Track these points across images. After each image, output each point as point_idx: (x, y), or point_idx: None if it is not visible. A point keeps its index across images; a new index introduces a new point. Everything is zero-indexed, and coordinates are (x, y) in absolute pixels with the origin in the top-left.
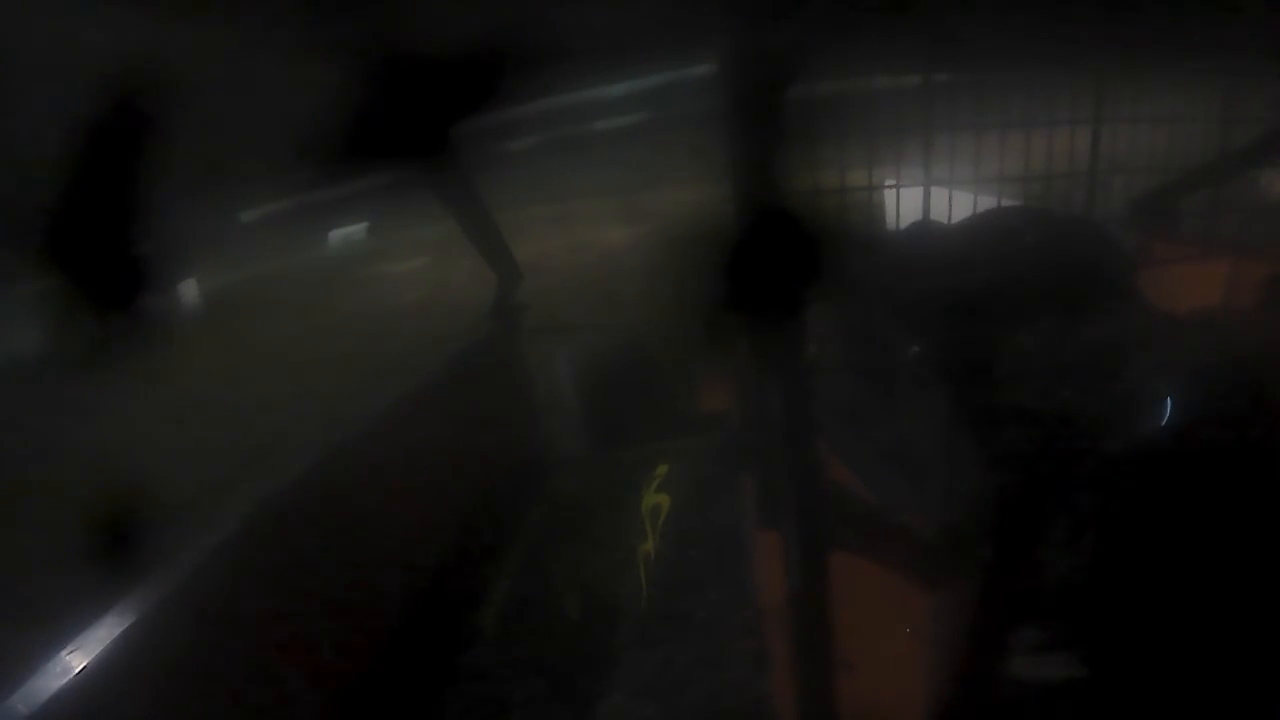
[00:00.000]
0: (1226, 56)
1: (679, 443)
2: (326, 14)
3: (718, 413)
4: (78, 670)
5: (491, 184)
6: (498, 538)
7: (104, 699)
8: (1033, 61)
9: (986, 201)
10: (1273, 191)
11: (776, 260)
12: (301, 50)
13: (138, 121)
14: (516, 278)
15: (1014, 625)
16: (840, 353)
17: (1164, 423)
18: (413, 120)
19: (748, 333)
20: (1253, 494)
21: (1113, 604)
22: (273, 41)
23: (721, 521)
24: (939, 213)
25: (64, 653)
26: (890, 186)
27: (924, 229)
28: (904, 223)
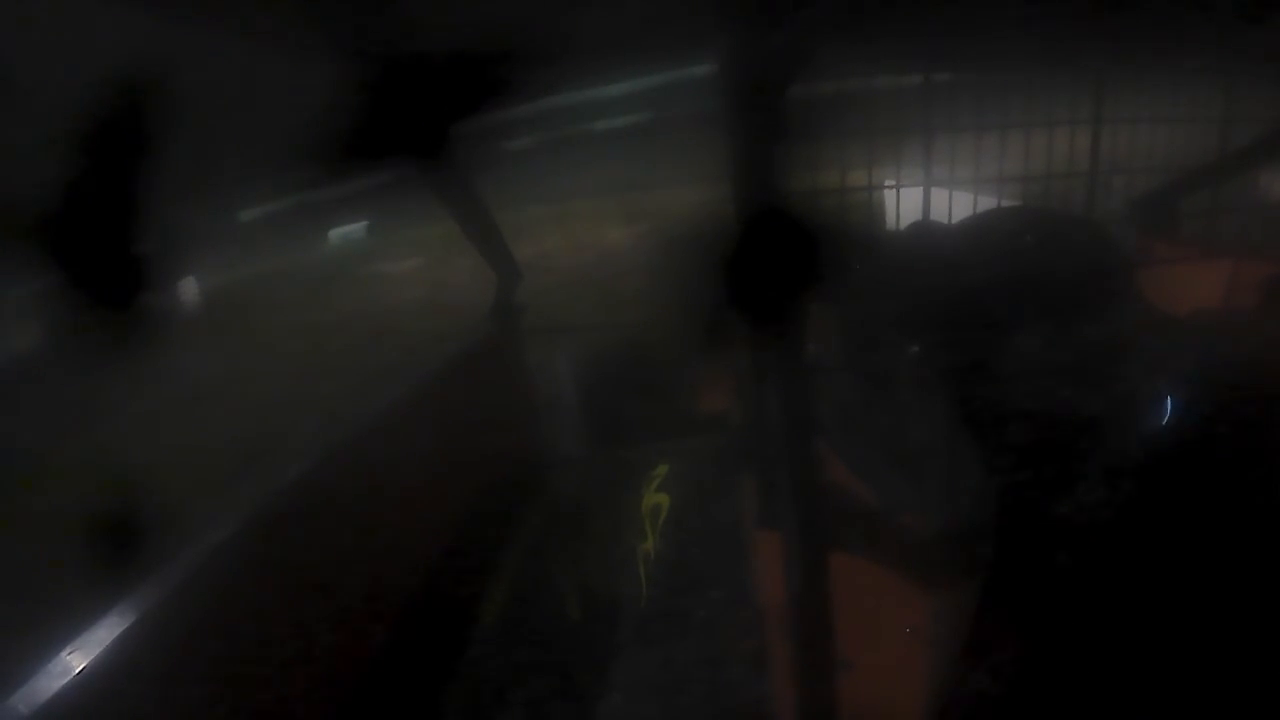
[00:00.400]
0: (1226, 56)
1: (679, 443)
2: (327, 14)
3: (718, 413)
4: (78, 670)
5: (491, 184)
6: (498, 538)
7: (104, 699)
8: (1033, 61)
9: (986, 202)
10: (1273, 191)
11: (776, 260)
12: (301, 50)
13: (137, 121)
14: (516, 278)
15: (1014, 626)
16: (840, 353)
17: (1164, 423)
18: (413, 120)
19: (748, 333)
20: (1253, 494)
21: (1112, 604)
22: (273, 41)
23: (721, 521)
24: (939, 213)
25: (64, 653)
26: (890, 186)
27: (924, 229)
28: (904, 223)
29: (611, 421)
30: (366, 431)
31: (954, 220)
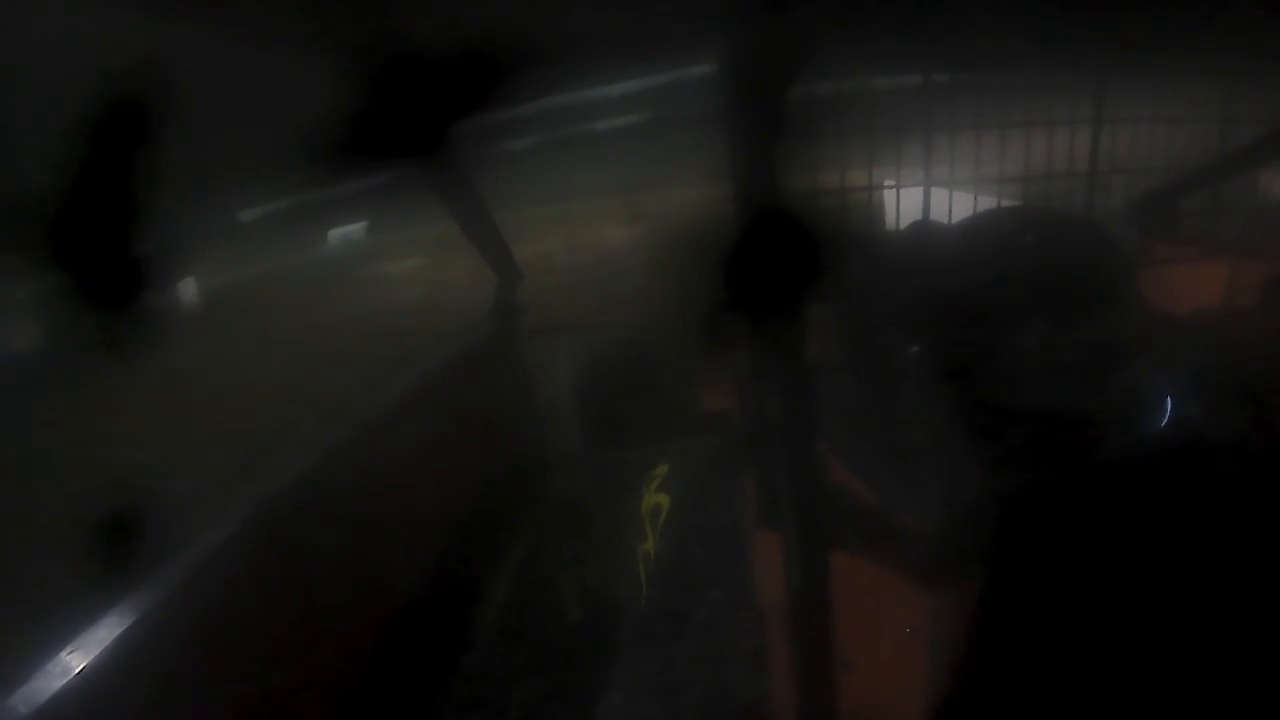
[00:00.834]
0: (1226, 56)
1: (679, 443)
2: (326, 13)
3: (718, 413)
4: (78, 670)
5: (491, 184)
6: (498, 538)
7: (104, 699)
8: (1033, 61)
9: (986, 201)
10: (1273, 191)
11: (776, 260)
12: (301, 49)
13: (136, 121)
14: (516, 278)
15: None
16: (840, 353)
17: (1164, 423)
18: (412, 119)
19: (748, 333)
20: (1253, 495)
21: (1112, 604)
22: (272, 40)
23: (721, 521)
24: (939, 213)
25: (64, 653)
26: (890, 186)
27: (924, 229)
28: (904, 223)
29: (611, 421)
30: (366, 431)
31: (954, 220)
